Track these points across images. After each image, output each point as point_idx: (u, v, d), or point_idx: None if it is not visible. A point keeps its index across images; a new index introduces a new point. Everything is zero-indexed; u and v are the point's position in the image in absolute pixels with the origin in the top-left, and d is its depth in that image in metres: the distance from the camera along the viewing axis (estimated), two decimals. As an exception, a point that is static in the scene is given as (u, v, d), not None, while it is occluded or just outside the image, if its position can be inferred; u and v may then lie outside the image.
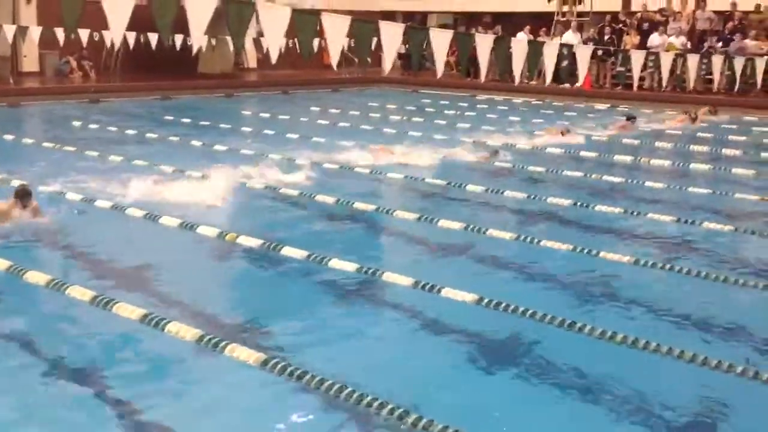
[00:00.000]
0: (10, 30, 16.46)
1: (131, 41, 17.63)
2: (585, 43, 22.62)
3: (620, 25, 22.56)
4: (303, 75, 23.46)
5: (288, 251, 6.67)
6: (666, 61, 14.13)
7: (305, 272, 6.37)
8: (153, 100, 18.89)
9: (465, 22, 27.76)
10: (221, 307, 5.69)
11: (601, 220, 8.34)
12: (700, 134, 15.19)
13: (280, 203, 8.50)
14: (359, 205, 8.46)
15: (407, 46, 15.00)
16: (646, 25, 22.05)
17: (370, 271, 6.20)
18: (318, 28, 7.36)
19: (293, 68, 22.92)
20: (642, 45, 20.78)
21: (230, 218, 7.80)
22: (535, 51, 10.41)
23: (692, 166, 11.77)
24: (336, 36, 7.31)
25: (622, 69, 20.70)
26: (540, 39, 20.39)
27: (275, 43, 7.26)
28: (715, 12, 22.10)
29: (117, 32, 7.76)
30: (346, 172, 10.41)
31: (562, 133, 13.78)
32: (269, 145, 12.42)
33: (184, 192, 8.66)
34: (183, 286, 6.03)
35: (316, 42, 12.76)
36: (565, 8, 24.54)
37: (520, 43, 10.64)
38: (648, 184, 10.22)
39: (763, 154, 13.02)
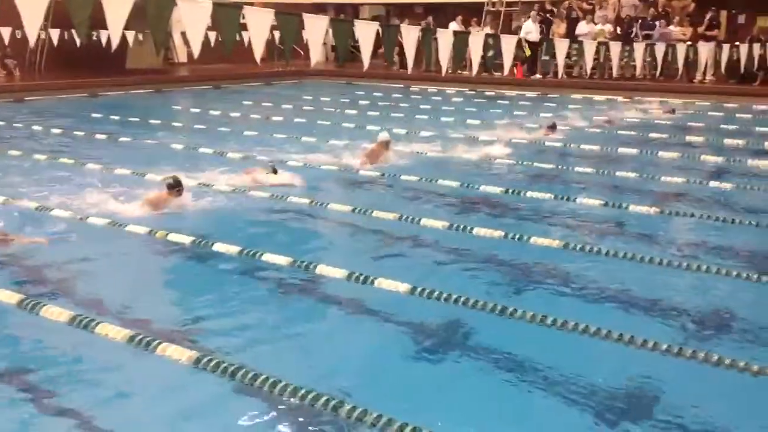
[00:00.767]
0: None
1: (55, 38, 17.15)
2: (516, 33, 22.96)
3: (548, 14, 22.92)
4: (235, 69, 23.18)
5: (220, 247, 6.60)
6: (589, 49, 14.42)
7: (239, 268, 6.32)
8: (80, 97, 18.43)
9: (397, 13, 27.82)
10: (153, 306, 5.60)
11: (532, 206, 8.48)
12: (628, 119, 15.57)
13: (210, 199, 8.39)
14: (293, 199, 8.42)
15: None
16: (574, 14, 22.45)
17: (304, 264, 6.18)
18: (241, 21, 7.27)
19: (226, 62, 22.63)
20: (570, 34, 21.17)
21: (160, 216, 7.66)
22: (461, 42, 10.49)
23: (620, 150, 12.06)
24: (259, 30, 7.23)
25: (547, 58, 21.11)
26: (472, 30, 20.63)
27: (197, 37, 7.13)
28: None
29: (31, 29, 7.53)
30: (279, 166, 10.32)
31: (547, 132, 13.38)
32: (200, 141, 12.26)
33: (111, 190, 8.48)
34: (113, 287, 5.91)
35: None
36: (495, -1, 24.83)
37: (445, 34, 10.71)
38: (577, 169, 10.45)
39: (687, 138, 13.43)
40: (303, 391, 4.07)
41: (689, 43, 19.41)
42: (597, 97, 19.22)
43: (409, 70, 10.79)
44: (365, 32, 8.87)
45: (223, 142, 12.30)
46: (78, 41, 17.61)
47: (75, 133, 13.12)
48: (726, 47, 18.77)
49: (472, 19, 23.54)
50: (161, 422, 4.03)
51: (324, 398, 4.01)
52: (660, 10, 21.91)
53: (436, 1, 26.30)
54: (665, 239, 7.32)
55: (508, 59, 12.93)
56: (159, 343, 4.59)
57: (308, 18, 8.19)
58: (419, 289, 5.57)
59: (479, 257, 6.70)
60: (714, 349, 4.73)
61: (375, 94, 20.03)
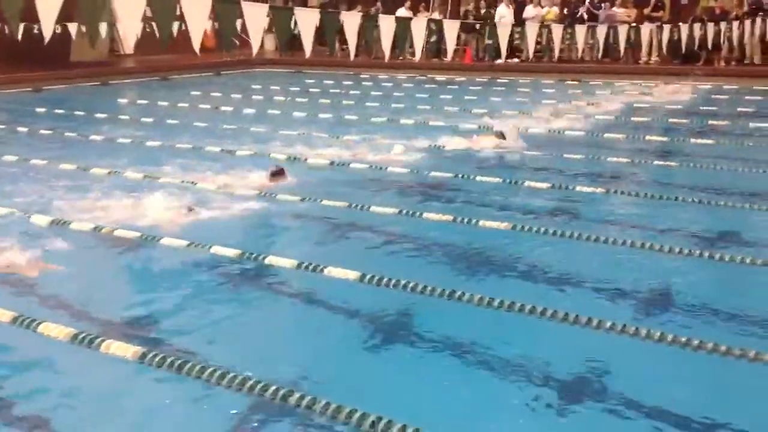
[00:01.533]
0: None
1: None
2: (465, 17, 23.04)
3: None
4: (183, 60, 22.80)
5: (167, 241, 6.52)
6: (532, 32, 14.54)
7: (185, 261, 6.25)
8: (23, 92, 18.01)
9: (347, 0, 27.66)
10: (96, 302, 5.51)
11: (480, 190, 8.54)
12: (575, 102, 15.74)
13: (157, 192, 8.25)
14: (240, 191, 8.34)
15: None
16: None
17: (253, 255, 6.14)
18: (178, 11, 7.14)
19: (173, 53, 22.27)
20: (518, 17, 21.30)
21: (105, 210, 7.53)
22: (403, 28, 10.49)
23: (567, 133, 12.19)
24: (196, 18, 7.11)
25: (490, 42, 21.20)
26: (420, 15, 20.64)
27: (132, 28, 7.00)
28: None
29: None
30: (226, 156, 10.24)
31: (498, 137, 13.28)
32: (147, 133, 12.08)
33: (56, 187, 8.31)
34: (56, 285, 5.79)
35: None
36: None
37: (387, 20, 10.71)
38: (526, 153, 10.54)
39: (633, 119, 13.63)
40: (252, 381, 4.05)
41: (633, 24, 19.70)
42: (545, 80, 19.39)
43: (351, 57, 10.79)
44: (306, 20, 8.80)
45: (171, 134, 12.12)
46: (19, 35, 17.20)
47: (18, 129, 12.81)
48: (667, 28, 19.09)
49: (420, 4, 23.55)
50: (108, 420, 3.98)
51: (273, 387, 4.00)
52: (605, -8, 22.15)
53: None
54: (612, 219, 7.44)
55: (451, 45, 12.95)
56: (102, 341, 4.53)
57: (247, 6, 8.08)
58: (368, 276, 5.57)
59: (429, 242, 6.73)
60: (664, 326, 4.78)
61: (326, 82, 19.93)
